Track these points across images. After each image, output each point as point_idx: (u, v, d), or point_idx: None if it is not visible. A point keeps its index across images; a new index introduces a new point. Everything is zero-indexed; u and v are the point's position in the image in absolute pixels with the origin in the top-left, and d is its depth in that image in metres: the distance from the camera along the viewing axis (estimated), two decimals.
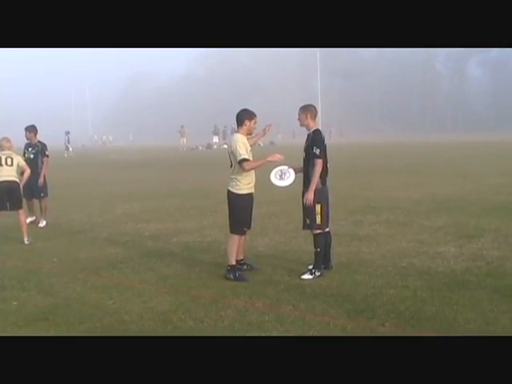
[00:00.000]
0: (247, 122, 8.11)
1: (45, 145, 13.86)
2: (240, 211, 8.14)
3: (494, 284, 7.46)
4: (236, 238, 8.18)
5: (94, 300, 7.36)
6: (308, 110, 8.12)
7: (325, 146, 8.05)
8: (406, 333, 5.87)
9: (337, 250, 9.38)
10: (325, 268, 8.19)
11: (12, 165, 11.49)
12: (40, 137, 13.83)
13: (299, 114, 8.13)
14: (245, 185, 8.06)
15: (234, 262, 8.10)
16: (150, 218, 13.75)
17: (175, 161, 39.12)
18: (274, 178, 8.31)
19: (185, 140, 61.03)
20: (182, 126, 62.77)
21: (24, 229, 11.34)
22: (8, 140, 11.77)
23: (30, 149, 13.68)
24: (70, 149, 56.98)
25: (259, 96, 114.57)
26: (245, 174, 7.99)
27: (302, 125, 8.19)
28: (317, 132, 8.05)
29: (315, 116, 8.18)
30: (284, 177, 8.25)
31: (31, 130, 13.82)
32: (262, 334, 5.92)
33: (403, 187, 18.26)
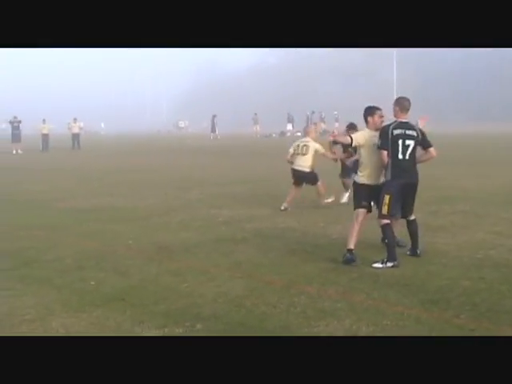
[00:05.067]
0: (370, 119, 8.59)
1: None
2: (354, 196, 8.73)
3: None
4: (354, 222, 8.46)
5: (169, 283, 7.48)
6: (398, 103, 8.37)
7: (395, 138, 8.14)
8: (482, 326, 5.77)
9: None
10: (412, 255, 8.42)
11: (306, 153, 12.33)
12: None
13: (393, 105, 8.41)
14: (361, 176, 8.59)
15: (349, 246, 8.27)
16: (223, 203, 13.86)
17: (249, 148, 39.22)
18: None
19: (258, 127, 61.08)
20: (256, 114, 62.82)
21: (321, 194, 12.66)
22: (315, 125, 13.27)
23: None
24: (217, 132, 58.44)
25: (329, 85, 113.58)
26: (362, 165, 8.56)
27: (394, 116, 8.42)
28: (384, 126, 8.35)
29: (406, 109, 8.34)
30: None
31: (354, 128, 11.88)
32: (335, 322, 5.92)
33: (478, 178, 17.85)
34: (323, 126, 64.75)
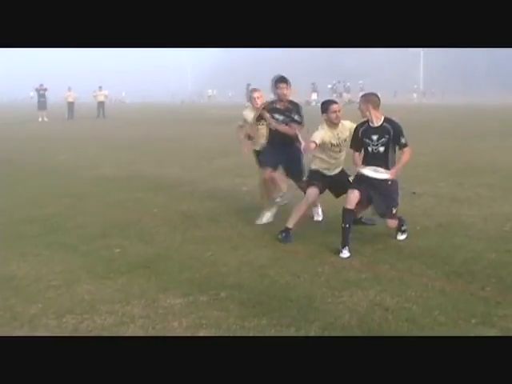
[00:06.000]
0: (324, 116, 8.01)
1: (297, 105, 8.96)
2: (308, 178, 8.34)
3: None
4: (303, 202, 8.16)
5: (193, 251, 7.52)
6: (369, 101, 7.54)
7: None
8: (508, 299, 5.74)
9: (436, 212, 9.25)
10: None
11: None
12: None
13: (360, 104, 7.59)
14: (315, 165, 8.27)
15: (289, 225, 8.01)
16: (247, 173, 13.83)
17: None
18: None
19: None
20: None
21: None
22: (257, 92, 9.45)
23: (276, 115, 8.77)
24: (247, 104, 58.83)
25: (355, 55, 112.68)
26: (318, 159, 8.21)
27: (363, 116, 7.59)
28: (394, 121, 7.59)
29: (378, 106, 7.56)
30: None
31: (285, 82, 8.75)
32: (359, 292, 5.92)
33: (506, 151, 17.64)
34: (348, 95, 64.52)
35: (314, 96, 63.83)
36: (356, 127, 7.71)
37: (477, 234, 8.04)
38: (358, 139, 7.59)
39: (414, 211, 9.18)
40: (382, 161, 7.49)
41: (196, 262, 7.05)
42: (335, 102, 8.12)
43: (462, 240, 7.74)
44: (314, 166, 8.26)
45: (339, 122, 8.00)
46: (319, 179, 8.14)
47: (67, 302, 5.85)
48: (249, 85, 60.88)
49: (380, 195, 7.54)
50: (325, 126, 8.04)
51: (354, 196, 7.41)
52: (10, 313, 5.57)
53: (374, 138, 7.45)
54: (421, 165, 13.58)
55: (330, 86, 65.52)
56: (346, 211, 7.42)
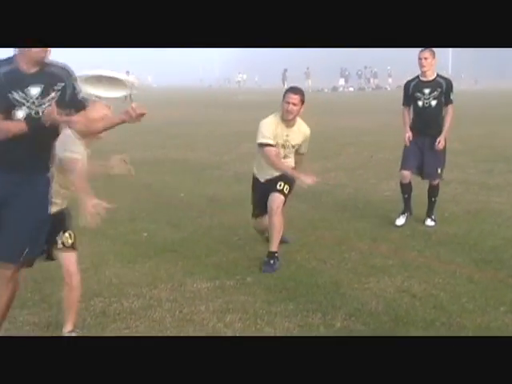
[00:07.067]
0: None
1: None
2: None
3: None
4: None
5: (220, 235, 7.54)
6: (435, 55, 7.63)
7: None
8: None
9: (465, 199, 9.19)
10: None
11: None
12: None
13: (428, 57, 7.51)
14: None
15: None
16: None
17: None
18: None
19: (310, 82, 60.67)
20: (308, 68, 62.37)
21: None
22: None
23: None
24: (285, 86, 59.19)
25: None
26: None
27: (428, 70, 7.58)
28: (446, 77, 7.93)
29: None
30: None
31: None
32: (386, 278, 5.90)
33: None
34: (376, 81, 64.11)
35: (342, 81, 63.58)
36: (406, 84, 7.90)
37: (506, 221, 7.97)
38: (409, 95, 7.80)
39: (443, 198, 9.07)
40: (433, 116, 7.74)
41: (223, 246, 7.07)
42: (296, 93, 6.50)
43: (491, 227, 7.68)
44: (255, 171, 7.18)
45: (290, 116, 6.50)
46: (258, 200, 6.89)
47: (95, 285, 5.88)
48: (285, 70, 60.64)
49: (430, 152, 7.80)
50: (277, 116, 6.64)
51: (406, 174, 7.89)
52: (39, 295, 5.63)
53: (426, 91, 7.63)
54: (449, 151, 13.33)
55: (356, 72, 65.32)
56: (402, 185, 7.98)
